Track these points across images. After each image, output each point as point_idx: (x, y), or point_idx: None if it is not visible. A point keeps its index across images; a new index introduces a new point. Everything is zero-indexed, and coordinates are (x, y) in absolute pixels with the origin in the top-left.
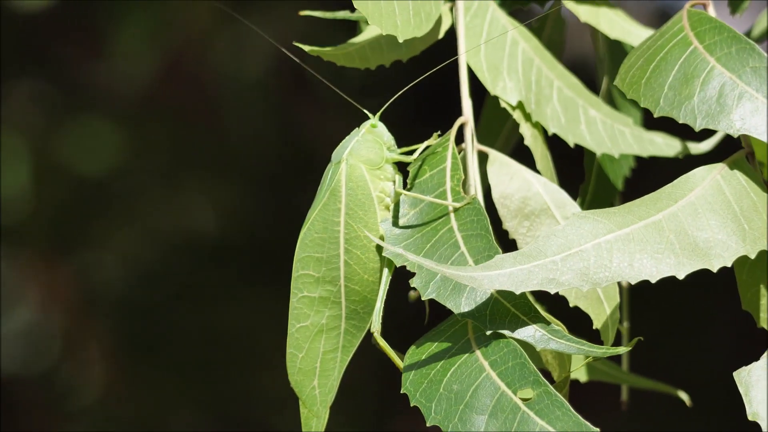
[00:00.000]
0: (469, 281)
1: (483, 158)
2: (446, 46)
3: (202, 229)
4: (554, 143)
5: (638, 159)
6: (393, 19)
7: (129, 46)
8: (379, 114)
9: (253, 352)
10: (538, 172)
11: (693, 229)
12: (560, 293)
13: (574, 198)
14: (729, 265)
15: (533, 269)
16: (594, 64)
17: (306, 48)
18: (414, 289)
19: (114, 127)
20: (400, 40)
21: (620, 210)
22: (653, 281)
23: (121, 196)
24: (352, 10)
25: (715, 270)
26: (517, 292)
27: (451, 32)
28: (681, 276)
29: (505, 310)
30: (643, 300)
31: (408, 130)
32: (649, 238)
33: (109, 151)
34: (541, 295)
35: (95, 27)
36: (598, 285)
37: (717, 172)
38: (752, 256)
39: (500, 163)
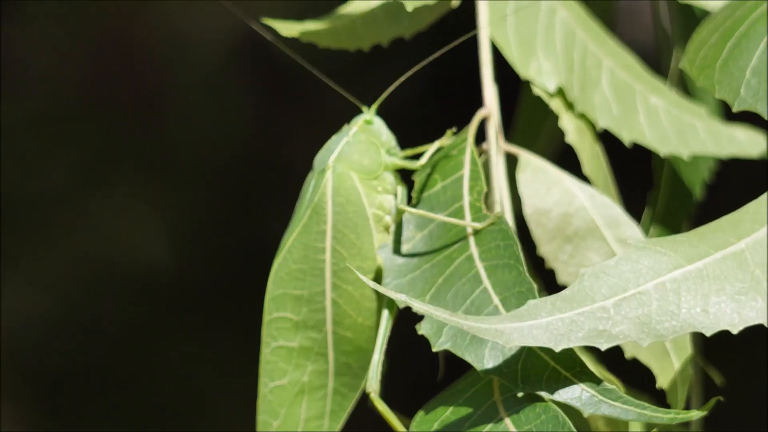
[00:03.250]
0: (494, 336)
1: (512, 162)
2: (461, 16)
3: (150, 253)
4: (612, 141)
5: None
6: None
7: (45, 13)
8: (375, 106)
9: (214, 417)
10: (586, 178)
11: None
12: None
13: (638, 212)
14: None
15: (577, 318)
16: (655, 37)
17: (279, 26)
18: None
19: (29, 119)
20: (409, 9)
21: (689, 238)
22: (735, 332)
23: (41, 210)
24: None
25: None
26: (557, 349)
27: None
28: None
29: (542, 365)
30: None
31: (414, 126)
32: (729, 274)
33: (24, 152)
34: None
35: None
36: (663, 338)
37: None
38: None
39: (534, 169)
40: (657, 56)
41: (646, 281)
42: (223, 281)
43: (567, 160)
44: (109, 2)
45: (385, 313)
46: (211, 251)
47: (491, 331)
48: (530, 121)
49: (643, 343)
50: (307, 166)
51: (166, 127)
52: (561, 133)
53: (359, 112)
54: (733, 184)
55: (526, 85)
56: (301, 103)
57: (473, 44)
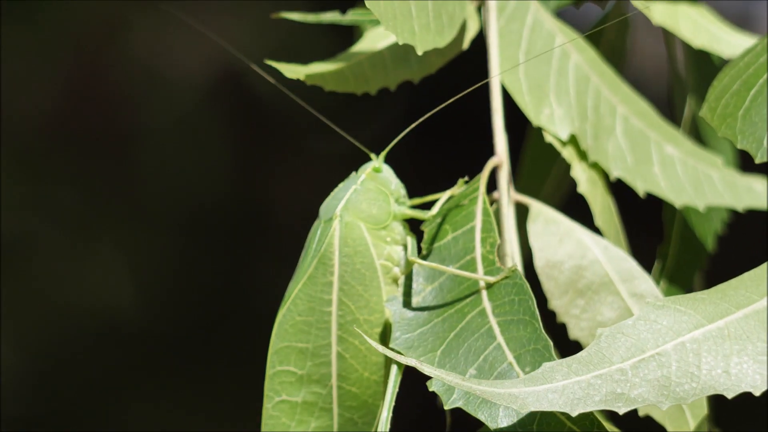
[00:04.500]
0: (508, 401)
1: (523, 212)
2: (471, 60)
3: (117, 306)
4: (620, 190)
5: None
6: (410, 23)
7: (14, 52)
8: (384, 154)
9: None
10: (597, 230)
11: None
12: None
13: (649, 266)
14: None
15: (594, 382)
16: (669, 82)
17: (283, 68)
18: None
19: None
20: (419, 52)
21: (710, 295)
22: (757, 394)
23: (7, 260)
24: (344, 11)
25: None
26: (574, 414)
27: (479, 41)
28: None
29: (558, 425)
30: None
31: (423, 175)
32: (751, 333)
33: None
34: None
35: None
36: (683, 400)
37: None
38: None
39: (546, 220)
40: (670, 102)
41: (666, 342)
42: (198, 331)
43: (571, 210)
44: (79, 42)
45: (394, 368)
46: (185, 300)
47: (505, 396)
48: (536, 169)
49: (663, 407)
50: (286, 211)
51: (139, 170)
52: (567, 183)
53: (345, 153)
54: (746, 237)
55: (532, 131)
56: (282, 146)
57: (482, 88)
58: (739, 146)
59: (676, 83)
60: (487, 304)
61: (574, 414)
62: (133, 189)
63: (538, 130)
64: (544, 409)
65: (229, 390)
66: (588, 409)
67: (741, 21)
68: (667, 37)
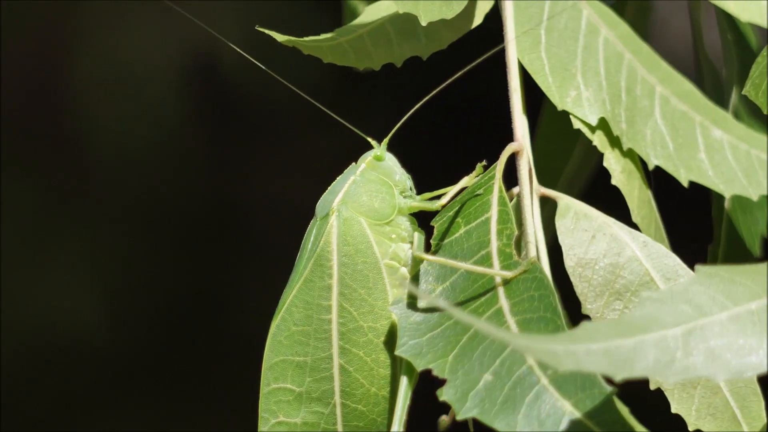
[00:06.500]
0: (546, 357)
1: (549, 207)
2: (486, 36)
3: (82, 318)
4: (660, 180)
5: None
6: None
7: None
8: (386, 140)
9: None
10: (635, 226)
11: None
12: (674, 408)
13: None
14: None
15: (641, 345)
16: (696, 63)
17: (277, 36)
18: (446, 410)
19: None
20: (423, 23)
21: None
22: None
23: None
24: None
25: None
26: (617, 378)
27: (494, 16)
28: None
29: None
30: None
31: (432, 165)
32: None
33: None
34: (636, 410)
35: None
36: (740, 374)
37: None
38: None
39: (576, 215)
40: (698, 83)
41: (722, 310)
42: (178, 347)
43: (602, 207)
44: (33, 29)
45: (404, 380)
46: (159, 312)
47: (543, 352)
48: (550, 159)
49: (718, 379)
50: (275, 212)
51: (103, 170)
52: (587, 174)
53: (342, 145)
54: None
55: (546, 116)
56: (267, 139)
57: (500, 70)
58: None
59: (704, 64)
60: (504, 302)
61: (617, 378)
62: (95, 190)
63: (552, 115)
64: (584, 369)
65: (219, 413)
66: (634, 375)
67: None
68: (693, 13)
